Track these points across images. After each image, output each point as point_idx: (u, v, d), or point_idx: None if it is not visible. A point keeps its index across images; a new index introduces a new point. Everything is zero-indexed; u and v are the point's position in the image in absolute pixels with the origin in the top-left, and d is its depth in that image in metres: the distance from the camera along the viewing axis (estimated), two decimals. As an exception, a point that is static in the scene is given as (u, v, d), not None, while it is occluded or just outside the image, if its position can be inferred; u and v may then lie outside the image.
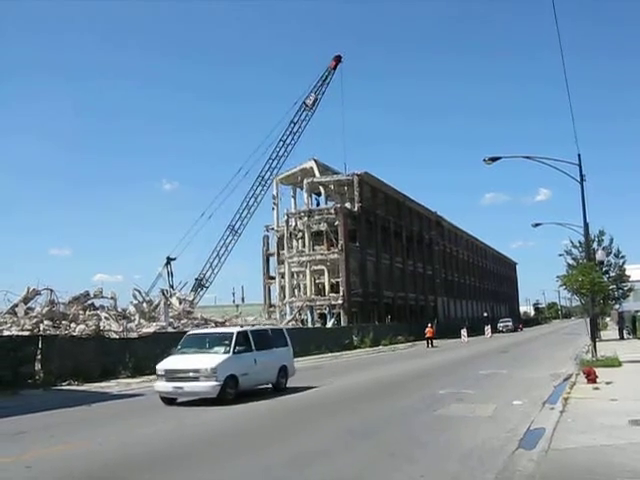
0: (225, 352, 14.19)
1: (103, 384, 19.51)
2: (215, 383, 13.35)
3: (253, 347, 14.91)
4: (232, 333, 14.95)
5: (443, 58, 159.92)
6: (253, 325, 24.41)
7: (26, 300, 27.01)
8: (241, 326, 18.19)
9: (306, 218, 54.32)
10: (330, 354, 34.22)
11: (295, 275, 56.23)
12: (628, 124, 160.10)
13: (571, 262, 38.30)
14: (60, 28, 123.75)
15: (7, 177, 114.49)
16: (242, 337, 14.84)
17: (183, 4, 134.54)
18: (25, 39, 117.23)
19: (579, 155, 21.38)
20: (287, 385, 16.20)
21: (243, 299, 76.59)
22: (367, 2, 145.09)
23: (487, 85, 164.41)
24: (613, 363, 18.34)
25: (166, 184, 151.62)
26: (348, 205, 55.34)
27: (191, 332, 17.25)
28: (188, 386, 13.50)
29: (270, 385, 15.90)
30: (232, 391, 13.75)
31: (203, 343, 15.11)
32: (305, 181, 56.17)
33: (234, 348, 14.24)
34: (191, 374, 13.50)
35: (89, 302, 29.79)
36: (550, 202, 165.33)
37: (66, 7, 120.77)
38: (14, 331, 22.94)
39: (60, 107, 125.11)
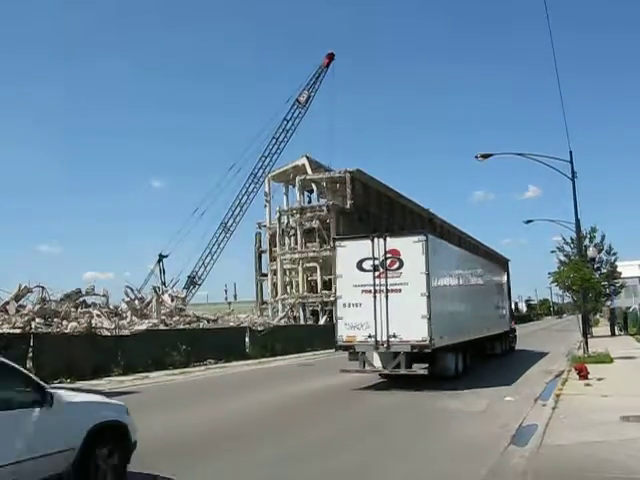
0: None
1: (95, 382, 19.37)
2: None
3: None
4: None
5: (436, 55, 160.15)
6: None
7: (17, 298, 26.79)
8: None
9: (298, 215, 54.28)
10: (322, 351, 34.21)
11: (287, 272, 56.19)
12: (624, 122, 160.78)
13: (563, 259, 38.38)
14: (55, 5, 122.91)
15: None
16: None
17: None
18: (19, 16, 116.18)
19: (570, 152, 21.57)
20: None
21: (235, 296, 76.69)
22: (361, 4, 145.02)
23: (480, 86, 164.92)
24: (605, 359, 18.45)
25: (155, 181, 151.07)
26: (340, 202, 55.32)
27: None
28: None
29: None
30: None
31: None
32: (297, 178, 56.11)
33: None
34: None
35: (81, 299, 29.59)
36: (539, 198, 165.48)
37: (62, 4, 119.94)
38: (5, 329, 22.72)
39: (53, 91, 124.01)
